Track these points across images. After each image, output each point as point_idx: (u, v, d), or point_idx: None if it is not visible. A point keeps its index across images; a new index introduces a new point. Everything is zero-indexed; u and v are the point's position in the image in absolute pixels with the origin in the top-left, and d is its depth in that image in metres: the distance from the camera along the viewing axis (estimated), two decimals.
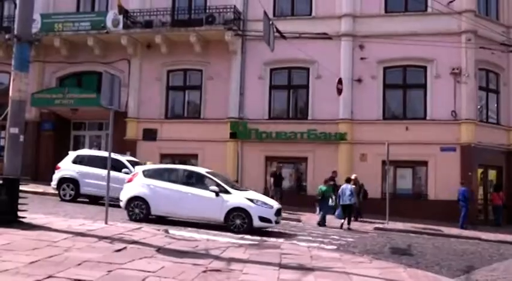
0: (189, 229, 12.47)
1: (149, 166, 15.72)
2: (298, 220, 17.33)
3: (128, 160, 17.72)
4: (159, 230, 10.44)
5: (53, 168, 18.62)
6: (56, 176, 17.60)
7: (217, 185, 13.53)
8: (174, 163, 23.80)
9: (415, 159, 21.28)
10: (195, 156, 23.02)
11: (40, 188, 19.48)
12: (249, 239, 11.65)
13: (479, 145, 20.99)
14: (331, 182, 18.44)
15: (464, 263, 11.09)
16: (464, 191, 19.29)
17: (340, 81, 21.19)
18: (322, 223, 16.57)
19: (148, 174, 14.24)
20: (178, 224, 13.22)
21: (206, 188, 13.56)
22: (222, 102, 22.85)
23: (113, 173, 15.22)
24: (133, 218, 13.48)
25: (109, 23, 23.02)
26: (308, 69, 22.59)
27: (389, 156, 18.34)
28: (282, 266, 7.58)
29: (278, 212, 13.66)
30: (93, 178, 16.83)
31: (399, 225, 17.71)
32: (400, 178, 21.74)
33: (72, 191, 17.23)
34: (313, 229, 15.56)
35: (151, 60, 23.84)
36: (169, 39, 23.21)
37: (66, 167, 17.59)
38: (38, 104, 23.72)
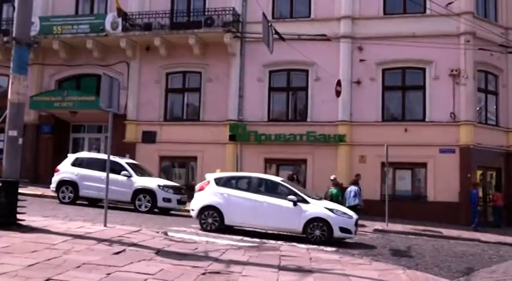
0: (188, 230, 12.45)
1: (221, 173, 15.16)
2: None
3: (127, 163, 17.72)
4: (158, 232, 10.43)
5: (52, 171, 18.62)
6: (55, 179, 17.58)
7: (295, 194, 13.10)
8: (174, 166, 23.94)
9: (414, 161, 21.29)
10: (195, 158, 23.04)
11: (39, 190, 19.46)
12: (248, 241, 11.65)
13: (478, 147, 21.01)
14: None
15: (463, 264, 11.08)
16: (474, 194, 19.59)
17: (339, 83, 21.22)
18: None
19: (220, 182, 13.81)
20: (254, 236, 12.88)
21: (282, 197, 13.12)
22: (221, 105, 22.87)
23: (112, 176, 15.28)
24: (206, 228, 13.15)
25: (108, 26, 23.04)
26: (307, 71, 22.60)
27: (389, 158, 18.36)
28: (281, 268, 7.58)
29: (356, 223, 13.30)
30: (92, 180, 16.81)
31: (398, 227, 17.70)
32: (399, 179, 21.75)
33: (71, 194, 17.22)
34: None
35: (151, 62, 23.86)
36: (168, 41, 23.23)
37: (65, 170, 17.58)
38: (37, 106, 23.72)
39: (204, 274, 6.61)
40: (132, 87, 23.83)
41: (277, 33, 17.97)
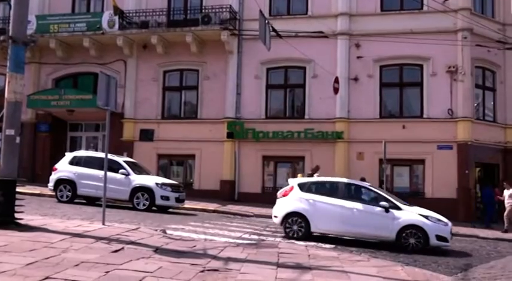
0: (187, 228, 12.46)
1: (305, 178, 14.59)
2: None
3: (124, 161, 17.71)
4: (156, 230, 10.44)
5: (50, 169, 18.60)
6: (53, 178, 17.57)
7: (387, 200, 12.67)
8: (171, 164, 23.94)
9: (412, 157, 21.33)
10: (192, 156, 23.05)
11: (37, 189, 19.46)
12: (246, 238, 11.66)
13: (475, 143, 21.05)
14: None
15: (461, 261, 11.12)
16: (490, 192, 19.81)
17: (336, 80, 21.23)
18: None
19: (305, 187, 13.33)
20: (343, 243, 12.56)
21: (372, 202, 12.72)
22: (219, 102, 22.86)
23: (110, 174, 15.28)
24: (291, 235, 12.71)
25: (105, 24, 23.01)
26: (304, 68, 22.61)
27: (386, 154, 18.42)
28: (279, 265, 7.59)
29: (451, 230, 12.88)
30: (90, 179, 16.80)
31: None
32: (397, 176, 21.80)
33: (69, 193, 17.20)
34: None
35: (148, 60, 23.83)
36: (165, 39, 23.20)
37: (63, 169, 17.56)
38: (34, 105, 23.68)
39: (202, 271, 6.62)
40: (129, 85, 23.81)
41: (274, 30, 17.94)
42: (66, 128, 25.28)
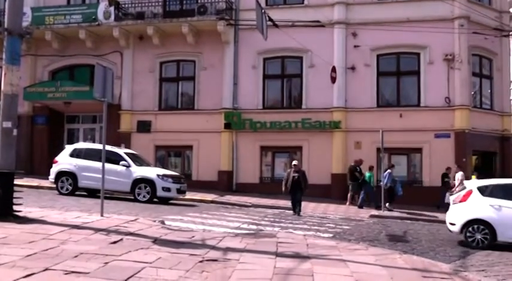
0: (185, 219, 12.49)
1: (486, 181, 12.95)
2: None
3: (125, 153, 17.68)
4: (155, 221, 10.46)
5: (48, 162, 18.62)
6: (54, 170, 17.57)
7: None
8: (169, 155, 23.94)
9: (409, 146, 21.39)
10: (190, 147, 23.05)
11: (35, 181, 19.45)
12: (245, 228, 11.69)
13: (473, 131, 21.10)
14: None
15: (459, 248, 11.18)
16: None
17: (333, 70, 21.20)
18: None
19: (487, 191, 12.03)
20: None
21: None
22: (216, 93, 22.82)
23: (111, 166, 15.33)
24: (474, 245, 11.51)
25: (100, 15, 22.88)
26: (301, 58, 22.56)
27: (384, 143, 18.44)
28: (278, 254, 7.61)
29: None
30: (91, 171, 16.79)
31: (394, 212, 17.81)
32: (395, 165, 21.77)
33: (70, 185, 17.20)
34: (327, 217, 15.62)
35: (144, 51, 23.74)
36: (162, 30, 23.10)
37: (64, 161, 17.56)
38: (31, 97, 23.60)
39: (201, 261, 6.64)
40: (126, 76, 23.74)
41: (270, 20, 17.91)
42: (63, 120, 25.22)
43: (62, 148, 18.46)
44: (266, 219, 14.38)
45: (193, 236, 8.72)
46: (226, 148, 22.45)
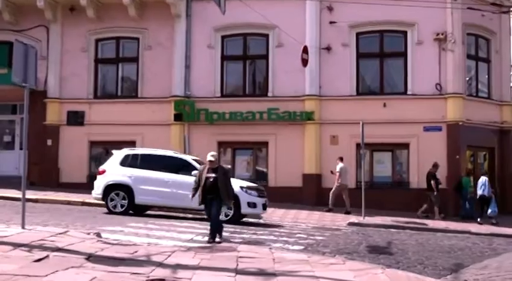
0: (126, 231, 12.37)
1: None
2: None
3: (194, 159, 16.87)
4: (89, 233, 10.32)
5: None
6: (101, 183, 16.67)
7: None
8: (107, 153, 23.56)
9: (394, 141, 21.73)
10: (133, 143, 22.74)
11: None
12: (199, 241, 11.66)
13: (468, 123, 21.55)
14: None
15: (451, 260, 11.40)
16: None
17: (305, 50, 21.29)
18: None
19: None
20: None
21: None
22: (164, 78, 22.67)
23: (180, 177, 15.77)
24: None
25: None
26: (267, 35, 22.62)
27: (365, 138, 18.63)
28: (238, 271, 7.63)
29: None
30: (150, 183, 16.25)
31: (377, 219, 18.06)
32: (378, 163, 22.19)
33: (124, 201, 16.36)
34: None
35: (76, 26, 23.36)
36: (98, 0, 22.77)
37: (114, 171, 16.76)
38: None
39: None
40: (53, 57, 23.34)
41: None
42: None
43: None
44: (224, 230, 14.36)
45: (136, 252, 8.66)
46: (177, 143, 22.29)
